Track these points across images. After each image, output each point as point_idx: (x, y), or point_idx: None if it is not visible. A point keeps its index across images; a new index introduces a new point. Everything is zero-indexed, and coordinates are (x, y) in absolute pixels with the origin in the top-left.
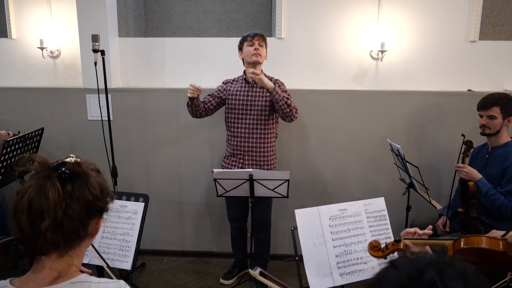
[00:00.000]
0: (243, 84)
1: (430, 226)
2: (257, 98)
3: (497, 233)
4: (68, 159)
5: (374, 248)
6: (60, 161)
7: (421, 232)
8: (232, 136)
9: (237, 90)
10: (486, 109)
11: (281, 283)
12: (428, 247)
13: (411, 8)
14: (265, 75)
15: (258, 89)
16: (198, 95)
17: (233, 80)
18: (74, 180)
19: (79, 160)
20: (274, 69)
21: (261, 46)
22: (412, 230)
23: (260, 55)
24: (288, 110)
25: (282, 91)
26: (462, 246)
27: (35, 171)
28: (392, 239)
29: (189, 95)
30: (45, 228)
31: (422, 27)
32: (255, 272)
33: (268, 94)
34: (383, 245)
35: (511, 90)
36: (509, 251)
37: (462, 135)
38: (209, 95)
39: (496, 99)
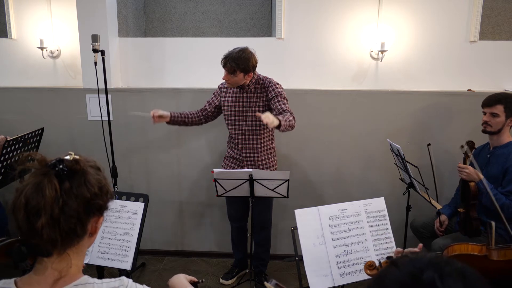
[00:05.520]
0: (236, 89)
1: (421, 245)
2: (251, 104)
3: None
4: (66, 157)
5: (370, 267)
6: (58, 159)
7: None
8: (230, 140)
9: (230, 96)
10: (490, 106)
11: None
12: None
13: (411, 8)
14: (258, 76)
15: (251, 94)
16: (170, 116)
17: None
18: (72, 178)
19: (77, 157)
20: (274, 69)
21: (230, 75)
22: (401, 250)
23: (229, 83)
24: (290, 129)
25: (279, 96)
26: (448, 255)
27: (34, 169)
28: (392, 239)
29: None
30: (42, 225)
31: (422, 27)
32: (270, 285)
33: (262, 99)
34: (377, 264)
35: (511, 90)
36: (490, 255)
37: (461, 146)
38: (207, 101)
39: (501, 97)
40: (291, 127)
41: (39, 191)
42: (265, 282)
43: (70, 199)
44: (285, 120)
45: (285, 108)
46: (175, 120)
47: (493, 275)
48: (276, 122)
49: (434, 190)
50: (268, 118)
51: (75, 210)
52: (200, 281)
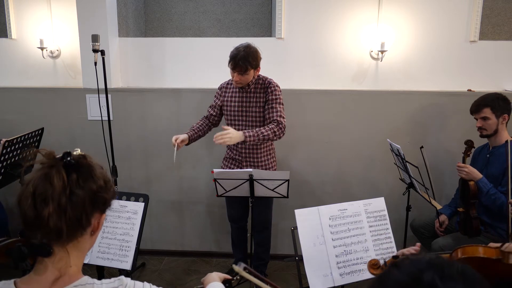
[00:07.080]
0: (237, 89)
1: (419, 244)
2: (251, 104)
3: (493, 245)
4: (74, 152)
5: (374, 266)
6: (65, 152)
7: (410, 249)
8: None
9: (231, 96)
10: (478, 112)
11: (266, 280)
12: None
13: (411, 8)
14: (258, 76)
15: (252, 94)
16: (188, 137)
17: (227, 84)
18: (79, 170)
19: (84, 153)
20: (274, 69)
21: (242, 74)
22: (405, 250)
23: (241, 83)
24: (270, 141)
25: (275, 101)
26: (459, 256)
27: (41, 163)
28: (392, 239)
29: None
30: (49, 213)
31: (422, 27)
32: (239, 268)
33: (263, 99)
34: (382, 263)
35: (511, 90)
36: (504, 259)
37: (465, 142)
38: (210, 106)
39: (486, 100)
40: (268, 140)
41: (47, 181)
42: (233, 265)
43: (78, 189)
44: (255, 136)
45: (275, 118)
46: (193, 139)
47: (508, 278)
48: (236, 139)
49: (431, 191)
50: (221, 138)
51: (82, 200)
52: (235, 278)
